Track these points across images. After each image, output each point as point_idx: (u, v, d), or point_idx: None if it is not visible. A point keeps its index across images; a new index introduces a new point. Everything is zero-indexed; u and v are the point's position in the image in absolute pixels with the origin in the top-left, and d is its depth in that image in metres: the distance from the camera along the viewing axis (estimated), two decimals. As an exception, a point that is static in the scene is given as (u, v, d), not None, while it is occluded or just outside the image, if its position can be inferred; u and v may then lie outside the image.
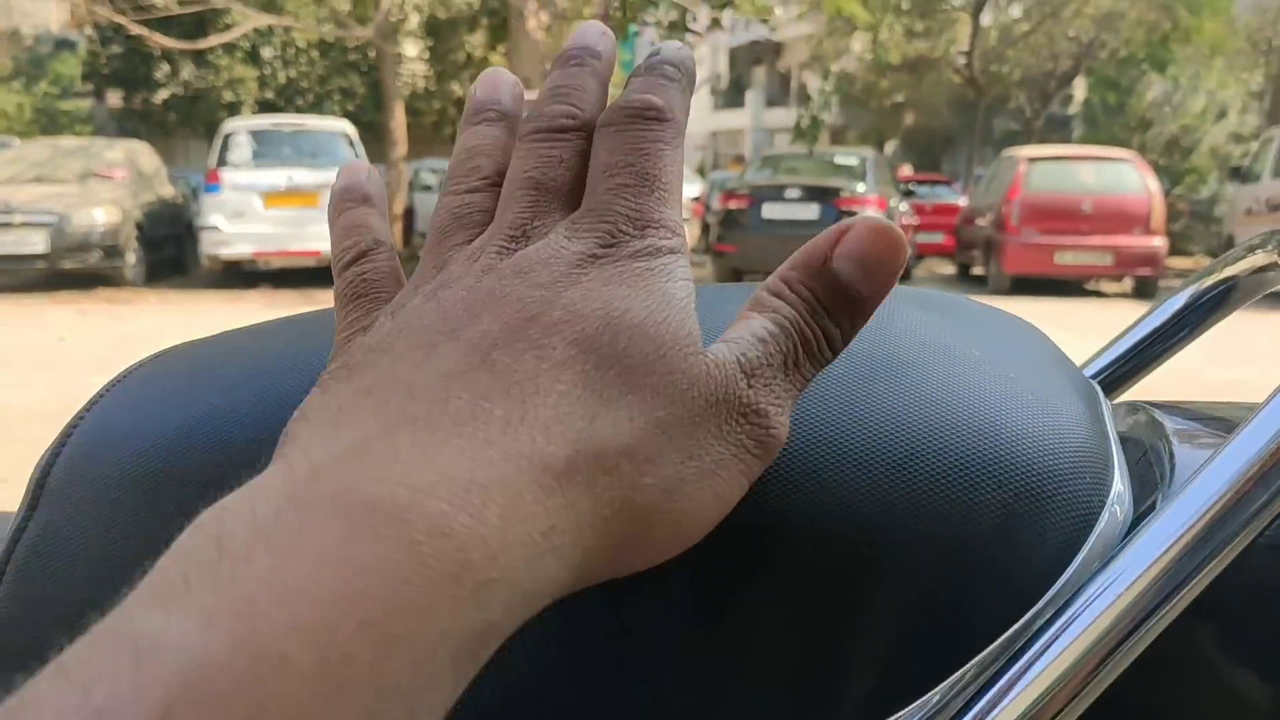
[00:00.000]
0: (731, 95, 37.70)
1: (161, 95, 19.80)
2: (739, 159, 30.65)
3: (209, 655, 0.18)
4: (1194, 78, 15.45)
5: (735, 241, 10.46)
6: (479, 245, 0.31)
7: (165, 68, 19.37)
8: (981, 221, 11.83)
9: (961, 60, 21.82)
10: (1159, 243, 10.64)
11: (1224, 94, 15.09)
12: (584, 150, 0.33)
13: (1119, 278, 11.20)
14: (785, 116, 29.44)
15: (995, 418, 0.35)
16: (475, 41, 19.86)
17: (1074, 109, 22.84)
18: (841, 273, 0.30)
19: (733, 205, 10.59)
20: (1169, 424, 0.48)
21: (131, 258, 10.60)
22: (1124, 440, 0.42)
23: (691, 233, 16.92)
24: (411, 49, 20.68)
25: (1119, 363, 0.60)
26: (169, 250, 11.61)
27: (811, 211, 10.22)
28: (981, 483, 0.33)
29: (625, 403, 0.26)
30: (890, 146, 26.64)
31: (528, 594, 0.23)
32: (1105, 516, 0.35)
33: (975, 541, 0.33)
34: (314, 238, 9.67)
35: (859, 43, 18.95)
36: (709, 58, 25.65)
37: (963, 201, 14.80)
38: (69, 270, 10.12)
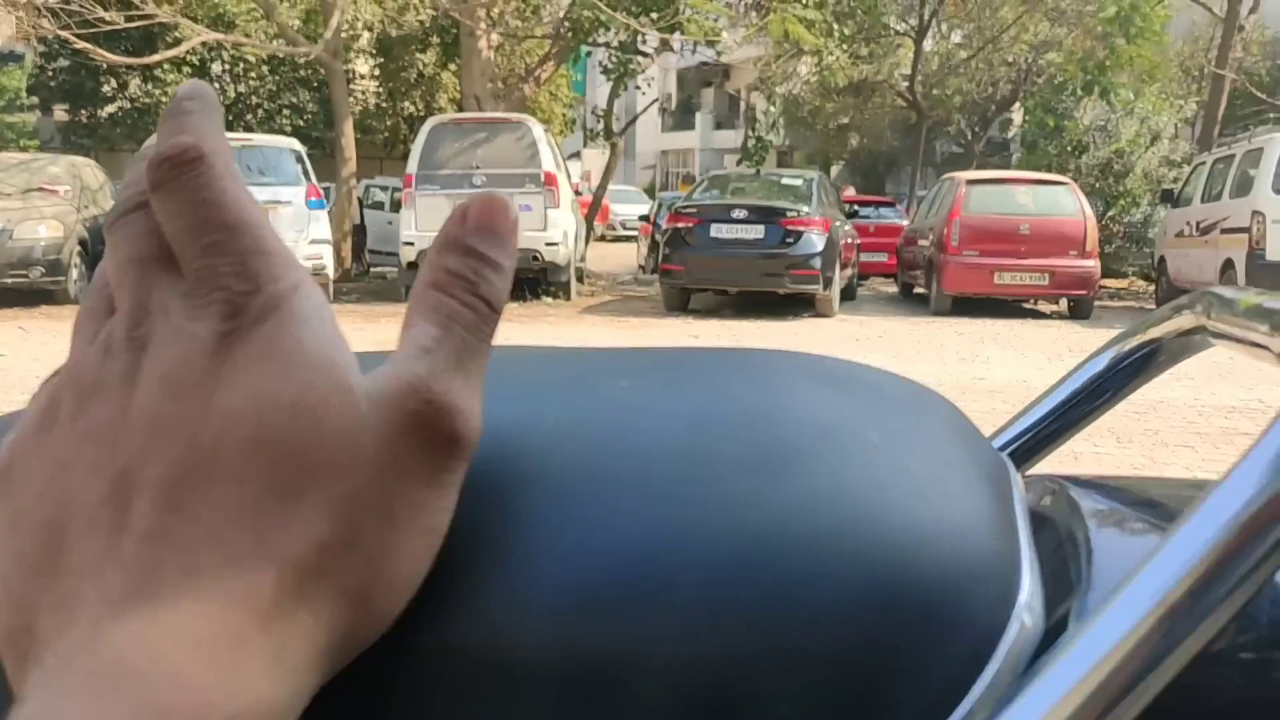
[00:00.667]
0: (681, 116, 38.00)
1: (108, 110, 19.58)
2: (688, 179, 30.87)
3: None
4: (1128, 104, 15.88)
5: (683, 261, 10.59)
6: (104, 337, 0.30)
7: (112, 82, 19.16)
8: (923, 242, 12.09)
9: (905, 84, 22.23)
10: (1093, 265, 10.97)
11: (1157, 120, 15.52)
12: None
13: (1055, 298, 11.51)
14: (733, 137, 29.75)
15: (889, 519, 0.32)
16: (426, 59, 19.87)
17: (1013, 132, 23.34)
18: (479, 246, 0.31)
19: (680, 225, 10.73)
20: (1085, 504, 0.44)
21: (74, 274, 10.48)
22: (1036, 523, 0.38)
23: (641, 251, 17.04)
24: (363, 66, 20.62)
25: (1034, 429, 0.56)
26: (114, 266, 11.48)
27: (758, 231, 10.38)
28: (870, 602, 0.30)
29: (309, 494, 0.27)
30: (835, 168, 27.03)
31: (283, 711, 0.26)
32: (1013, 629, 0.31)
33: (860, 673, 0.29)
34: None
35: (805, 66, 19.25)
36: (659, 79, 25.84)
37: (905, 222, 15.09)
38: (10, 286, 9.98)
